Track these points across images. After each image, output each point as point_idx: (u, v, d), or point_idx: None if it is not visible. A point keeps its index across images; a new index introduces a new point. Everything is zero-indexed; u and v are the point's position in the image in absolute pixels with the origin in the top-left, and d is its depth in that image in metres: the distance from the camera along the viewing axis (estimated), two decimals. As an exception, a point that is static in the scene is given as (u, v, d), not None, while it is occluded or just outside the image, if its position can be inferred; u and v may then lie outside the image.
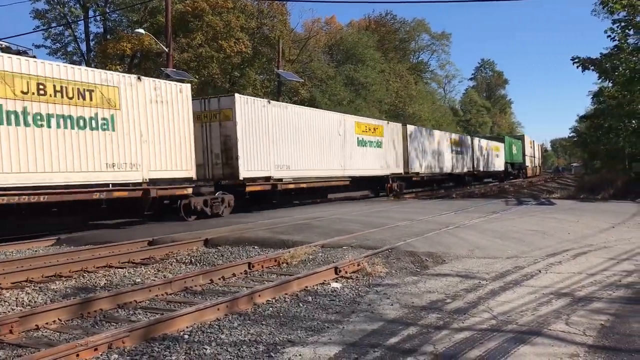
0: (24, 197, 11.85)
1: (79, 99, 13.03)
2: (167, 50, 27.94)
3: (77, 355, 4.36)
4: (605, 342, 4.66)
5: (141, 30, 31.34)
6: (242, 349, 4.67)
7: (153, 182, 14.70)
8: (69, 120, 12.81)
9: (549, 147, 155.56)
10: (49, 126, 12.40)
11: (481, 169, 44.74)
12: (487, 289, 6.68)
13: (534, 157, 69.69)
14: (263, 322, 5.48)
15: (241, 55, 38.20)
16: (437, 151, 34.39)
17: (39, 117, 12.26)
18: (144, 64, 39.79)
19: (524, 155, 59.50)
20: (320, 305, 6.17)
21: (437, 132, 35.34)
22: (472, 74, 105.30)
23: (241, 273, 8.03)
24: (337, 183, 23.29)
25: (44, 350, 4.42)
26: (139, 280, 7.99)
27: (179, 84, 16.15)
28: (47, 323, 5.53)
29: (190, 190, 15.66)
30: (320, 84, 45.79)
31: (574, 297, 6.20)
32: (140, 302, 6.46)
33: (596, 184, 29.52)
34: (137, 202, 14.66)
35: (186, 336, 5.04)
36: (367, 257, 8.52)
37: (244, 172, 17.43)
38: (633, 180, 28.39)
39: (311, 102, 40.59)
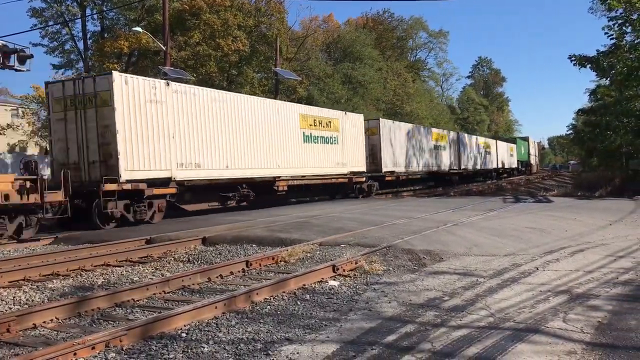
0: (303, 181, 22.05)
1: (324, 126, 23.32)
2: (164, 48, 27.94)
3: (75, 354, 4.36)
4: (603, 339, 4.67)
5: (138, 29, 31.32)
6: (239, 347, 4.67)
7: (352, 173, 24.94)
8: (321, 139, 23.02)
9: (546, 145, 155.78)
10: (316, 142, 22.62)
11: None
12: (484, 287, 6.69)
13: (535, 155, 76.96)
14: (261, 321, 5.48)
15: (239, 54, 38.15)
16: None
17: (313, 138, 22.42)
18: (142, 62, 39.74)
19: (529, 154, 67.65)
20: (318, 303, 6.17)
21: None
22: (470, 72, 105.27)
23: (239, 271, 8.02)
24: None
25: (41, 349, 4.41)
26: (137, 278, 7.99)
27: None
28: (44, 322, 5.52)
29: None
30: (317, 82, 45.79)
31: (572, 294, 6.21)
32: (137, 300, 6.45)
33: (593, 182, 29.58)
34: (344, 185, 24.92)
35: (184, 334, 5.03)
36: (365, 255, 8.53)
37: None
38: (630, 178, 28.44)
39: (309, 100, 40.58)
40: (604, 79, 31.23)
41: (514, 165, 59.04)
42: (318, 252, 9.26)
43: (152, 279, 7.74)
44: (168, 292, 6.87)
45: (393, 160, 28.60)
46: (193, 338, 4.95)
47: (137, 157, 14.66)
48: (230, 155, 17.89)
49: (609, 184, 27.56)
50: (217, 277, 7.66)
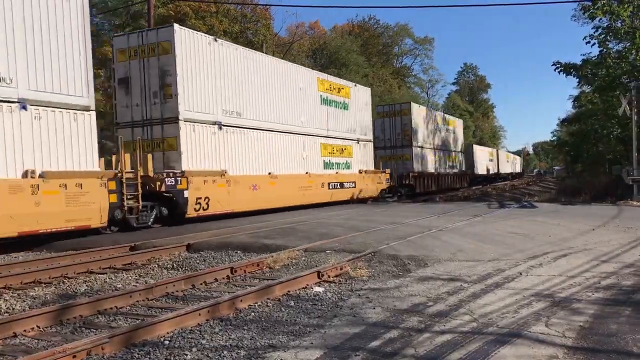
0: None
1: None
2: (149, 54, 27.74)
3: (55, 363, 4.30)
4: (584, 343, 4.71)
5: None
6: (223, 354, 4.64)
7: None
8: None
9: (530, 151, 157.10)
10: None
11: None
12: (468, 292, 6.72)
13: (522, 164, 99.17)
14: (245, 327, 5.45)
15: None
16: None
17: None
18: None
19: (522, 164, 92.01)
20: (302, 309, 6.15)
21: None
22: (455, 79, 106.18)
23: (223, 278, 7.99)
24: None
25: (21, 358, 4.36)
26: (120, 286, 7.92)
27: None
28: (25, 330, 5.45)
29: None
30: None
31: (554, 299, 6.26)
32: (120, 308, 6.40)
33: (577, 187, 29.83)
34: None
35: (167, 342, 5.00)
36: (350, 260, 8.54)
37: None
38: (613, 184, 28.75)
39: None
40: (587, 85, 31.69)
41: (513, 171, 78.99)
42: (303, 259, 9.25)
43: (135, 286, 7.68)
44: (152, 299, 6.82)
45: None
46: (176, 345, 4.91)
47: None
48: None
49: (592, 190, 27.82)
50: (201, 283, 7.62)
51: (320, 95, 23.71)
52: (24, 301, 7.09)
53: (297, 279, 7.24)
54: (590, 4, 24.35)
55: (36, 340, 5.26)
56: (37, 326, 5.58)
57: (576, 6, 36.33)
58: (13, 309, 6.72)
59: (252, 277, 8.15)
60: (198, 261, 9.61)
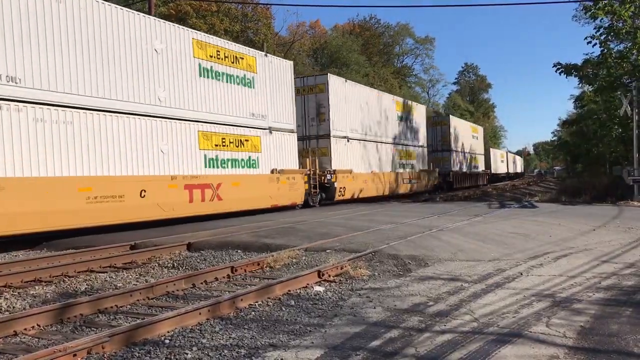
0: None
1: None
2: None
3: (56, 361, 4.30)
4: (585, 343, 4.71)
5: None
6: (223, 353, 4.64)
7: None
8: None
9: (531, 151, 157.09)
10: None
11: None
12: (469, 292, 6.71)
13: (522, 164, 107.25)
14: (245, 326, 5.45)
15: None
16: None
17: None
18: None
19: (522, 164, 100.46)
20: (303, 309, 6.15)
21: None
22: (456, 78, 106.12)
23: (224, 277, 7.98)
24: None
25: (21, 357, 4.36)
26: (121, 284, 7.92)
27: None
28: (25, 329, 5.45)
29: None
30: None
31: (555, 299, 6.25)
32: (121, 306, 6.40)
33: (578, 187, 29.79)
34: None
35: (167, 341, 4.99)
36: (351, 260, 8.53)
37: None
38: (614, 184, 28.73)
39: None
40: (589, 85, 31.68)
41: (515, 171, 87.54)
42: (304, 258, 9.25)
43: (136, 285, 7.68)
44: (152, 298, 6.82)
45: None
46: (176, 344, 4.91)
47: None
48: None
49: (593, 190, 27.80)
50: (201, 283, 7.61)
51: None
52: (25, 300, 7.09)
53: (297, 278, 7.24)
54: (591, 4, 24.33)
55: (36, 339, 5.26)
56: (38, 325, 5.58)
57: (577, 6, 36.32)
58: (13, 307, 6.72)
59: (252, 277, 8.15)
60: (198, 260, 9.61)
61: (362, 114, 26.94)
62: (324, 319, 5.67)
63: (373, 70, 58.96)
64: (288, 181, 20.77)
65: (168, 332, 5.22)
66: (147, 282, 7.87)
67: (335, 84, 24.51)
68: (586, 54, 27.96)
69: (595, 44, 24.50)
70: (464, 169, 44.73)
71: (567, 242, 10.71)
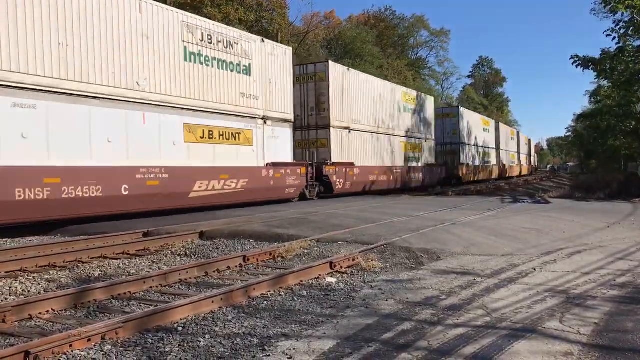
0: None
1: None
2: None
3: (70, 346, 4.34)
4: (599, 340, 4.67)
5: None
6: (236, 342, 4.66)
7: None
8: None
9: (545, 146, 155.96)
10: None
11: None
12: (482, 286, 6.68)
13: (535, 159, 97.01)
14: (257, 316, 5.47)
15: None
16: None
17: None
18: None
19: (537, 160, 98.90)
20: (315, 299, 6.16)
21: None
22: (470, 72, 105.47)
23: (236, 266, 8.01)
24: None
25: (37, 340, 4.40)
26: (134, 271, 7.97)
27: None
28: (40, 313, 5.50)
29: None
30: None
31: (569, 295, 6.21)
32: (134, 293, 6.44)
33: (591, 184, 29.58)
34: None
35: (180, 328, 5.02)
36: (363, 252, 8.52)
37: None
38: (628, 181, 28.48)
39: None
40: (605, 80, 31.26)
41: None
42: (315, 249, 9.25)
43: (149, 272, 7.73)
44: (165, 286, 6.86)
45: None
46: (189, 332, 4.93)
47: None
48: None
49: (607, 186, 27.56)
50: (214, 271, 7.65)
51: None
52: (39, 284, 7.16)
53: (309, 269, 7.25)
54: None
55: (51, 323, 5.32)
56: (52, 309, 5.64)
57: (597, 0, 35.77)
58: (28, 291, 6.79)
59: (264, 266, 8.17)
60: (211, 249, 9.65)
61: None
62: (336, 310, 5.67)
63: (387, 62, 58.68)
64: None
65: (181, 319, 5.25)
66: (160, 269, 7.92)
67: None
68: (603, 49, 27.50)
69: (615, 37, 24.16)
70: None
71: (581, 239, 10.62)
